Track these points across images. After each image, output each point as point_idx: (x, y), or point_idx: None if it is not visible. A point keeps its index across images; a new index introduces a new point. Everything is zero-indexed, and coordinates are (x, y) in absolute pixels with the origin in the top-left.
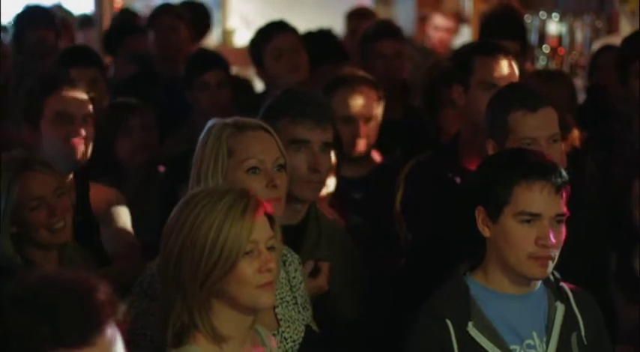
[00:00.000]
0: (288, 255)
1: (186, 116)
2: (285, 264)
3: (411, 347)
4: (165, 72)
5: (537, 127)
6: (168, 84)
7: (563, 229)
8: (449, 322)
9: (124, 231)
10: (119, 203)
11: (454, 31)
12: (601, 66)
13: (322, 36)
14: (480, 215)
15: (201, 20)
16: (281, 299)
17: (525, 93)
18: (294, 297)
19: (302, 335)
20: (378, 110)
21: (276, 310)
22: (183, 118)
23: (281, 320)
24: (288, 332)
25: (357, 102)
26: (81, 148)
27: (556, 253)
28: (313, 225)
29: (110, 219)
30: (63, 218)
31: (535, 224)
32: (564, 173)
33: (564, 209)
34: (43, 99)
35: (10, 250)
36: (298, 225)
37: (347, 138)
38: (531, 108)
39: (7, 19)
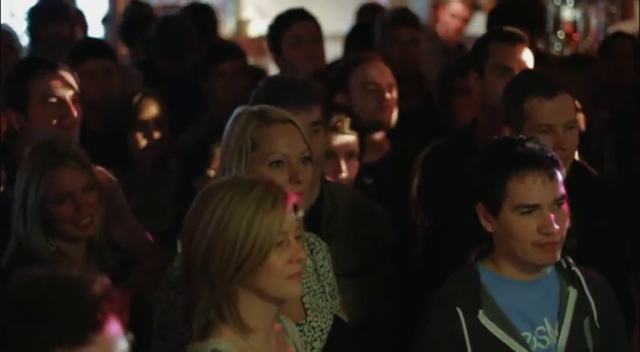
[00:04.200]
0: (316, 243)
1: (192, 112)
2: (312, 253)
3: (421, 336)
4: (168, 72)
5: (554, 114)
6: (172, 81)
7: (566, 210)
8: (459, 310)
9: (135, 225)
10: (117, 190)
11: (469, 20)
12: (613, 52)
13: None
14: (480, 211)
15: (207, 22)
16: (308, 288)
17: (541, 79)
18: (322, 286)
19: (330, 323)
20: (395, 83)
21: (304, 299)
22: (187, 115)
23: (308, 309)
24: (317, 322)
25: (380, 72)
26: (76, 132)
27: (562, 236)
28: (328, 200)
29: (116, 213)
30: (90, 214)
31: (535, 213)
32: (555, 156)
33: (562, 191)
34: (28, 83)
35: (42, 240)
36: (314, 204)
37: (374, 106)
38: (548, 95)
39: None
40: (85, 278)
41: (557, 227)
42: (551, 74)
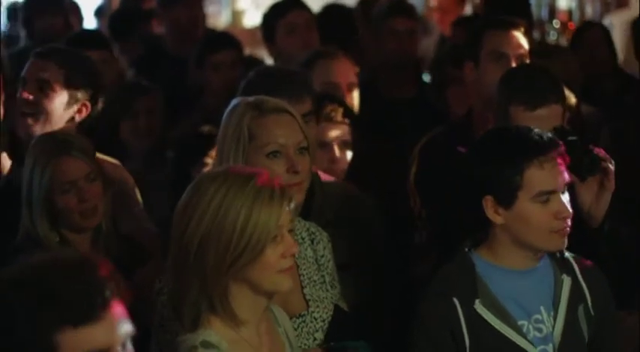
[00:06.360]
0: (317, 233)
1: (194, 97)
2: (313, 243)
3: (418, 327)
4: (175, 52)
5: (535, 125)
6: (177, 64)
7: (568, 195)
8: (456, 300)
9: (143, 217)
10: (126, 179)
11: (452, 9)
12: (586, 42)
13: (334, 11)
14: (488, 204)
15: None
16: (309, 279)
17: (529, 86)
18: (322, 276)
19: (331, 313)
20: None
21: (305, 291)
22: (190, 100)
23: (310, 300)
24: (318, 312)
25: (338, 70)
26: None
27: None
28: (318, 192)
29: (122, 202)
30: (94, 204)
31: (551, 199)
32: (556, 139)
33: (568, 176)
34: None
35: (47, 230)
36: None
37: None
38: (530, 107)
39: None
40: (90, 260)
41: (571, 210)
42: (544, 75)
